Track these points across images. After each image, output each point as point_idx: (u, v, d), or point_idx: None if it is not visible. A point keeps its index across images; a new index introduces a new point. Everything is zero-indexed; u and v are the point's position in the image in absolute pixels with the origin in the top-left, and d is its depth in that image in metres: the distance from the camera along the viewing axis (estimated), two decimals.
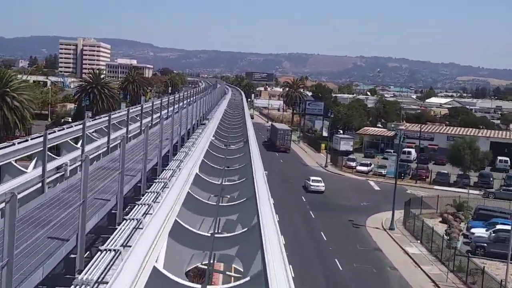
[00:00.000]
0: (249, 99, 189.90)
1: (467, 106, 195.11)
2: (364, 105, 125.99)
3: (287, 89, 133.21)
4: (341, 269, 36.69)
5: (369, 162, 75.19)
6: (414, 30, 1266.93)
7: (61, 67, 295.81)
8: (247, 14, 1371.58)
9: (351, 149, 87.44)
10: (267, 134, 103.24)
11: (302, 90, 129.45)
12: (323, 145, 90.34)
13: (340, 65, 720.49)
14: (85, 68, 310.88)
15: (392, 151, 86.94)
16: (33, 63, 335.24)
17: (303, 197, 56.69)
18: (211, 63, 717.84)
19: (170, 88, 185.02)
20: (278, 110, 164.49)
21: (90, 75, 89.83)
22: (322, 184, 59.34)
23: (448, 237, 43.66)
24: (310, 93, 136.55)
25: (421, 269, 38.03)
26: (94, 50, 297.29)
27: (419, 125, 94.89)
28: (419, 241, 43.94)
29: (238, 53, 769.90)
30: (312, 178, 60.82)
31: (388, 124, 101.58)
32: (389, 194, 58.84)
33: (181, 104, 42.69)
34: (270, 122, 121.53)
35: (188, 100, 45.47)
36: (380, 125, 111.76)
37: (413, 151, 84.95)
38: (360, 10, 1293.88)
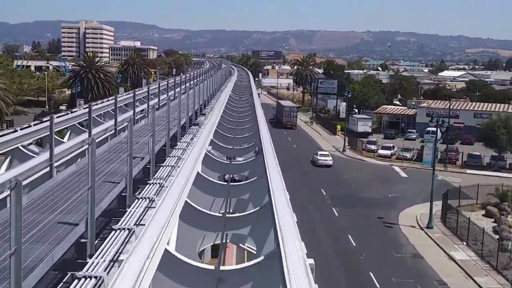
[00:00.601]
0: (256, 79, 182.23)
1: (482, 79, 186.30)
2: (379, 81, 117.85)
3: (296, 67, 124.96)
4: (378, 287, 29.72)
5: (391, 145, 67.72)
6: (421, 2, 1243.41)
7: (64, 51, 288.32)
8: None
9: (370, 130, 80.00)
10: (273, 112, 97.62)
11: (312, 68, 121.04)
12: (338, 127, 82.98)
13: (347, 41, 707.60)
14: (88, 52, 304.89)
15: (414, 131, 79.51)
16: (36, 48, 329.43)
17: (322, 190, 49.58)
18: (216, 42, 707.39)
19: (174, 70, 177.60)
20: (288, 89, 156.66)
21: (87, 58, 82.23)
22: (330, 158, 60.73)
23: (498, 237, 36.62)
24: (320, 71, 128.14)
25: (475, 281, 30.97)
26: (96, 33, 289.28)
27: (442, 102, 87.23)
28: (464, 243, 36.79)
29: (243, 32, 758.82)
30: (319, 152, 62.67)
31: (408, 102, 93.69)
32: (418, 182, 52.07)
33: (177, 89, 37.78)
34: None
35: (186, 85, 40.57)
36: (397, 103, 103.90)
37: (438, 130, 77.35)
38: None
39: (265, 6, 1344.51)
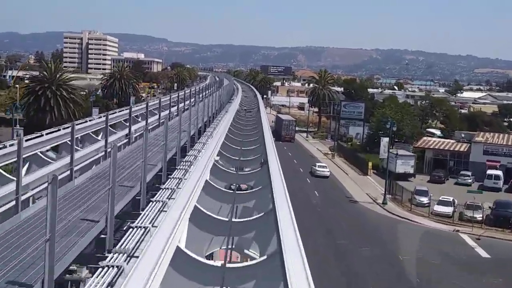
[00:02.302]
0: (264, 96, 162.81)
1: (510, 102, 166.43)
2: (407, 105, 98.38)
3: (312, 85, 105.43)
4: None
5: (451, 199, 47.86)
6: (430, 22, 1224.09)
7: (66, 62, 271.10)
8: (261, 7, 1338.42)
9: (412, 171, 60.56)
10: (272, 125, 79.31)
11: (330, 87, 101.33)
12: (370, 164, 63.50)
13: (355, 58, 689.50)
14: (91, 63, 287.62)
15: (469, 173, 59.89)
16: (40, 59, 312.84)
17: None
18: (225, 57, 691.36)
19: (176, 84, 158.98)
20: (301, 108, 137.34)
21: (48, 69, 61.70)
22: (327, 169, 61.17)
23: None
24: (340, 89, 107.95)
25: None
26: (100, 44, 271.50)
27: (500, 135, 67.83)
28: None
29: (252, 47, 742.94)
30: (318, 164, 63.24)
31: (456, 133, 73.82)
32: (509, 268, 33.14)
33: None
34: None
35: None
36: (437, 132, 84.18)
37: (501, 174, 57.88)
38: (374, 1, 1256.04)
39: (274, 22, 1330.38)
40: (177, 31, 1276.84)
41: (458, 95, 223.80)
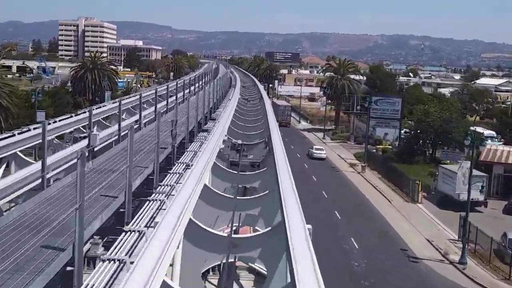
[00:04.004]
0: (270, 85, 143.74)
1: None
2: (444, 97, 79.37)
3: (327, 74, 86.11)
4: None
5: None
6: (435, 6, 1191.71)
7: (61, 50, 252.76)
8: None
9: (483, 198, 42.02)
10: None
11: (349, 76, 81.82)
12: (419, 185, 44.85)
13: (361, 44, 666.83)
14: (87, 51, 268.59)
15: None
16: (36, 47, 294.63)
17: None
18: (229, 44, 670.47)
19: (172, 74, 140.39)
20: (312, 99, 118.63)
21: None
22: (324, 152, 61.53)
23: None
24: (359, 78, 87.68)
25: None
26: (96, 31, 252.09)
27: None
28: None
29: (256, 34, 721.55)
30: (315, 146, 63.36)
31: None
32: None
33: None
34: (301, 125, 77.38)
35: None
36: (492, 133, 65.36)
37: None
38: None
39: (279, 8, 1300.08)
40: (181, 18, 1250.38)
41: (477, 82, 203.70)
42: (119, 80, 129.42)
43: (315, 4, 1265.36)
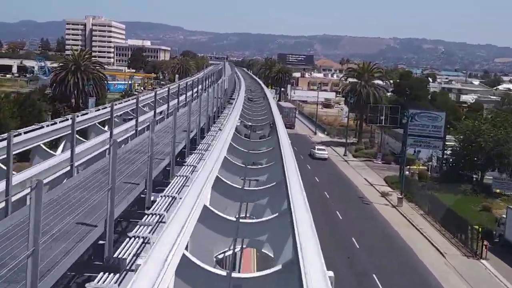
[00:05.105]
0: (282, 89, 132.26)
1: None
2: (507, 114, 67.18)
3: (349, 80, 74.34)
4: None
5: None
6: (448, 10, 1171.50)
7: (68, 49, 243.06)
8: None
9: None
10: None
11: (374, 82, 69.80)
12: (479, 232, 33.12)
13: (373, 47, 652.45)
14: (95, 51, 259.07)
15: None
16: (44, 46, 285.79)
17: None
18: (241, 45, 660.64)
19: (177, 76, 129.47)
20: (327, 106, 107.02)
21: None
22: (326, 152, 61.65)
23: None
24: (384, 83, 75.32)
25: None
26: (104, 31, 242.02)
27: None
28: None
29: (268, 35, 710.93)
30: (317, 146, 62.93)
31: None
32: None
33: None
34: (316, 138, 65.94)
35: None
36: None
37: None
38: None
39: (291, 10, 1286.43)
40: (193, 19, 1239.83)
41: (500, 88, 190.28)
42: (118, 82, 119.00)
43: (327, 6, 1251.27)
